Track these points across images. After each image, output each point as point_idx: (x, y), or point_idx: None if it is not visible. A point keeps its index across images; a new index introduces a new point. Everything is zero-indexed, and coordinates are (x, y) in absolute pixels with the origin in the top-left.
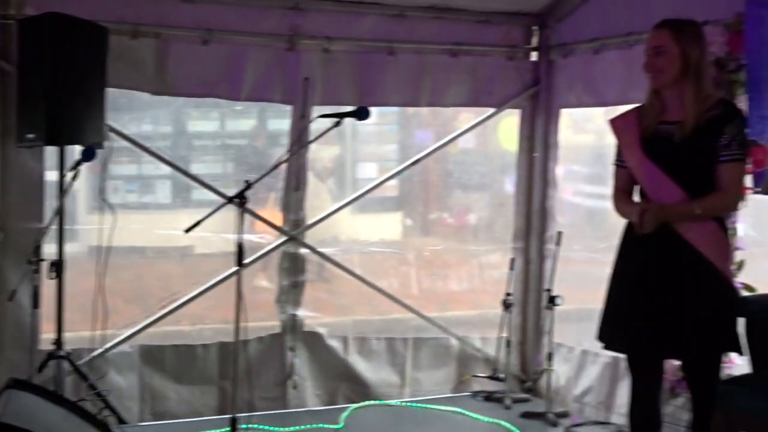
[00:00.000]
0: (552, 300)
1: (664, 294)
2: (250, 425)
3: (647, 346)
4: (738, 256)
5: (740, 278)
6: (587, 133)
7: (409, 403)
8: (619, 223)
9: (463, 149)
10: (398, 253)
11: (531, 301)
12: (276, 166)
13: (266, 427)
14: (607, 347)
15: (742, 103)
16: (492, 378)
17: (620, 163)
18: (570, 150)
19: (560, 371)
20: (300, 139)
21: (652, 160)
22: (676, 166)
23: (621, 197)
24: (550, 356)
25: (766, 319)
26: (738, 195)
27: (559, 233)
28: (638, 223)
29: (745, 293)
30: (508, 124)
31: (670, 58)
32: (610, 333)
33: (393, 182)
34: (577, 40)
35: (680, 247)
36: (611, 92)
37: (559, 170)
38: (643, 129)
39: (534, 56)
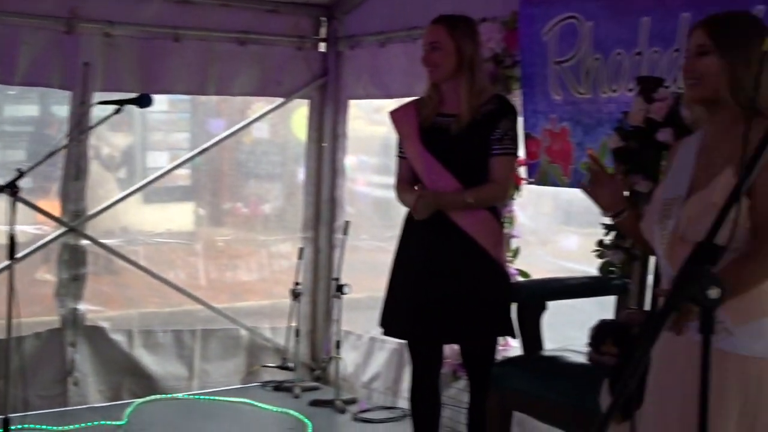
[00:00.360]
0: (340, 288)
1: (440, 281)
2: (24, 425)
3: (425, 331)
4: (514, 243)
5: (516, 264)
6: (378, 125)
7: (196, 396)
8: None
9: (258, 139)
10: (187, 244)
11: (320, 290)
12: (51, 154)
13: (42, 427)
14: (387, 333)
15: (517, 97)
16: (281, 368)
17: (402, 154)
18: (361, 141)
19: (349, 359)
20: (79, 126)
21: (429, 152)
22: (452, 158)
23: (403, 188)
24: (338, 344)
25: (535, 304)
26: (507, 187)
27: (347, 223)
28: (416, 211)
29: (519, 279)
30: (301, 114)
31: (445, 54)
32: (390, 320)
33: (185, 171)
34: (364, 32)
35: (455, 234)
36: (396, 84)
37: (350, 160)
38: (422, 121)
39: (322, 47)
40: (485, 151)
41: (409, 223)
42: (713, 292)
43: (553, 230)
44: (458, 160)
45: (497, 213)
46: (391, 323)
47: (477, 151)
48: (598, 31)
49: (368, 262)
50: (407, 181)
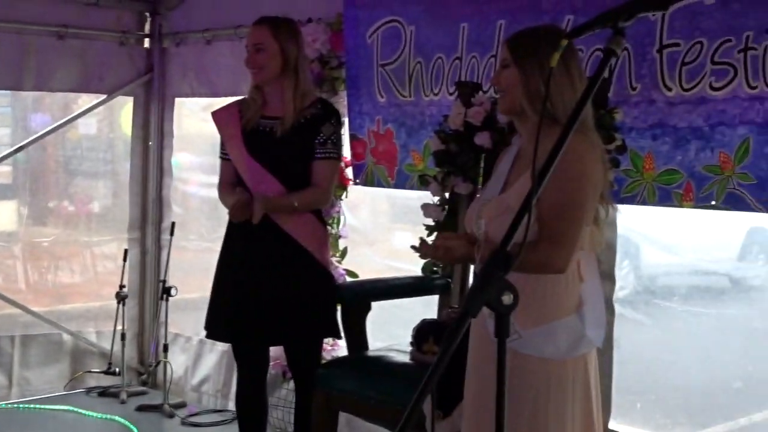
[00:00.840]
0: (167, 291)
1: (264, 283)
2: None
3: (249, 334)
4: (342, 243)
5: (344, 264)
6: (207, 123)
7: (16, 405)
8: None
9: (86, 135)
10: (5, 245)
11: (147, 292)
12: None
13: None
14: (212, 337)
15: (343, 99)
16: (107, 372)
17: (224, 155)
18: (190, 139)
19: (178, 361)
20: None
21: (252, 155)
22: (276, 161)
23: (226, 190)
24: (165, 348)
25: (358, 305)
26: (330, 191)
27: (173, 224)
28: (235, 214)
29: (348, 278)
30: (129, 111)
31: (269, 55)
32: (215, 323)
33: (6, 168)
34: (189, 29)
35: (279, 237)
36: (223, 83)
37: (179, 159)
38: (245, 123)
39: (147, 43)
40: (308, 155)
41: (233, 226)
42: (507, 298)
43: (382, 230)
44: (282, 164)
45: (321, 216)
46: (215, 327)
47: (300, 155)
48: (420, 36)
49: (197, 263)
50: (230, 183)
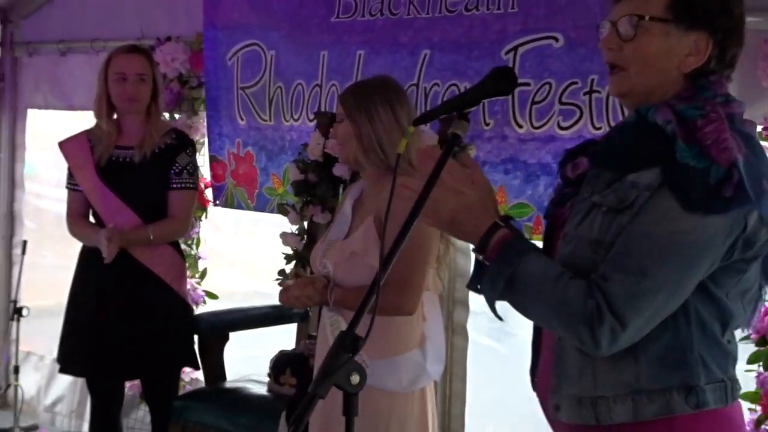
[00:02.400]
0: (18, 311)
1: (120, 316)
2: None
3: (104, 370)
4: (201, 265)
5: (204, 286)
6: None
7: None
8: None
9: None
10: None
11: None
12: None
13: None
14: (65, 371)
15: (203, 119)
16: None
17: (73, 186)
18: (44, 153)
19: (31, 381)
20: None
21: (107, 185)
22: (132, 191)
23: (76, 222)
24: (17, 369)
25: (215, 336)
26: (188, 221)
27: (24, 242)
28: (109, 252)
29: (207, 299)
30: None
31: (148, 86)
32: (68, 357)
33: None
34: (44, 39)
35: (135, 269)
36: (79, 96)
37: (35, 171)
38: (99, 155)
39: None
40: (164, 185)
41: (85, 256)
42: (355, 378)
43: (243, 251)
44: (138, 194)
45: (178, 246)
46: (69, 361)
47: (157, 185)
48: (280, 61)
49: (52, 280)
50: (80, 215)
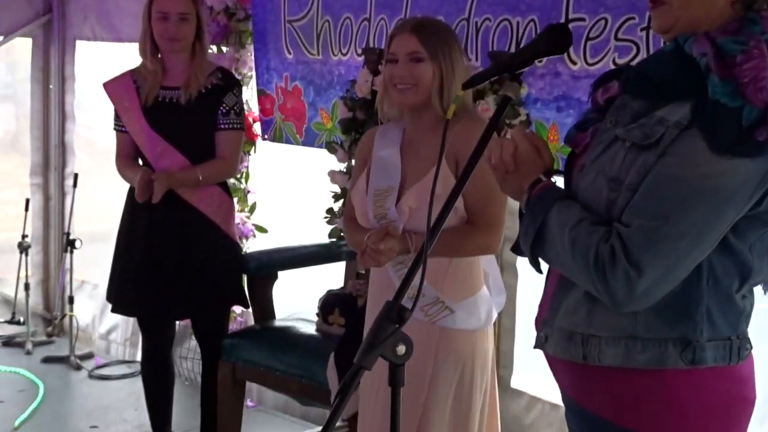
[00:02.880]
0: (71, 243)
1: (170, 257)
2: None
3: (154, 309)
4: (250, 199)
5: (253, 220)
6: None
7: None
8: None
9: None
10: None
11: (52, 240)
12: None
13: None
14: (116, 310)
15: (251, 53)
16: (11, 322)
17: (120, 127)
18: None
19: (86, 309)
20: None
21: (153, 127)
22: (178, 133)
23: (125, 163)
24: (71, 300)
25: (264, 275)
26: (236, 162)
27: (76, 175)
28: (140, 193)
29: (257, 233)
30: None
31: (192, 26)
32: (119, 297)
33: None
34: None
35: (184, 210)
36: (126, 28)
37: (84, 104)
38: (145, 95)
39: None
40: (212, 126)
41: (134, 199)
42: (401, 349)
43: (293, 185)
44: (185, 136)
45: (227, 186)
46: (119, 300)
47: (204, 126)
48: None
49: (105, 207)
50: (129, 156)
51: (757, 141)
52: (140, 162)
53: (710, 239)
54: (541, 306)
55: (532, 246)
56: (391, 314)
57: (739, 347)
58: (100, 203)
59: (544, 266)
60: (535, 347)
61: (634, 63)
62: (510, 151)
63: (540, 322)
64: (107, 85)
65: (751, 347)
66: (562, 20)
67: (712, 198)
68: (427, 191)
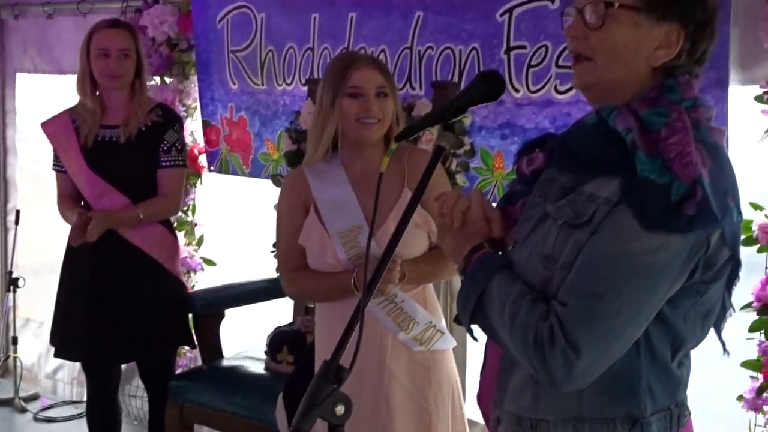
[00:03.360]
0: (14, 282)
1: (114, 299)
2: None
3: (99, 353)
4: (198, 232)
5: (201, 253)
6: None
7: None
8: None
9: None
10: None
11: None
12: None
13: None
14: (60, 356)
15: (194, 84)
16: None
17: (59, 168)
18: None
19: (31, 348)
20: None
21: (92, 168)
22: (118, 173)
23: (66, 203)
24: (15, 341)
25: (210, 314)
26: (179, 199)
27: (18, 211)
28: (74, 236)
29: (205, 266)
30: None
31: (132, 62)
32: (62, 340)
33: None
34: (30, 1)
35: (126, 250)
36: (67, 60)
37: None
38: (85, 136)
39: None
40: (153, 164)
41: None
42: (340, 409)
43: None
44: (126, 175)
45: (170, 224)
46: (62, 344)
47: (145, 164)
48: (271, 24)
49: (50, 240)
50: (70, 196)
51: (686, 215)
52: (82, 202)
53: (645, 315)
54: (484, 382)
55: (472, 314)
56: (329, 374)
57: (679, 415)
58: (45, 236)
59: (479, 334)
60: (490, 429)
61: (574, 89)
62: (462, 208)
63: (489, 403)
64: (46, 126)
65: (689, 413)
66: (504, 48)
67: (645, 274)
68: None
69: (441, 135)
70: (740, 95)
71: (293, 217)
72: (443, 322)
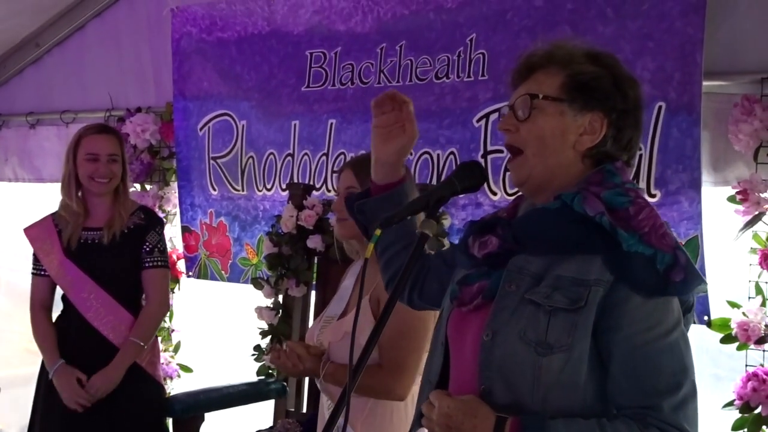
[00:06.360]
0: None
1: (93, 405)
2: None
3: None
4: (174, 338)
5: (177, 359)
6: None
7: None
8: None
9: None
10: None
11: None
12: None
13: None
14: None
15: (175, 190)
16: None
17: (40, 271)
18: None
19: None
20: None
21: (79, 268)
22: (103, 273)
23: (40, 317)
24: None
25: (190, 417)
26: (166, 300)
27: None
28: (66, 398)
29: (182, 373)
30: None
31: (119, 166)
32: None
33: None
34: (12, 111)
35: (108, 350)
36: (48, 169)
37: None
38: (67, 237)
39: None
40: (137, 265)
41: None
42: None
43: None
44: (110, 275)
45: None
46: None
47: (128, 265)
48: (251, 131)
49: (25, 349)
50: (43, 306)
51: (675, 282)
52: (52, 312)
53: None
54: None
55: None
56: None
57: None
58: (21, 347)
59: None
60: None
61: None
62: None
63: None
64: (28, 230)
65: None
66: (481, 152)
67: (684, 337)
68: (341, 329)
69: (424, 222)
70: (713, 196)
71: None
72: None
